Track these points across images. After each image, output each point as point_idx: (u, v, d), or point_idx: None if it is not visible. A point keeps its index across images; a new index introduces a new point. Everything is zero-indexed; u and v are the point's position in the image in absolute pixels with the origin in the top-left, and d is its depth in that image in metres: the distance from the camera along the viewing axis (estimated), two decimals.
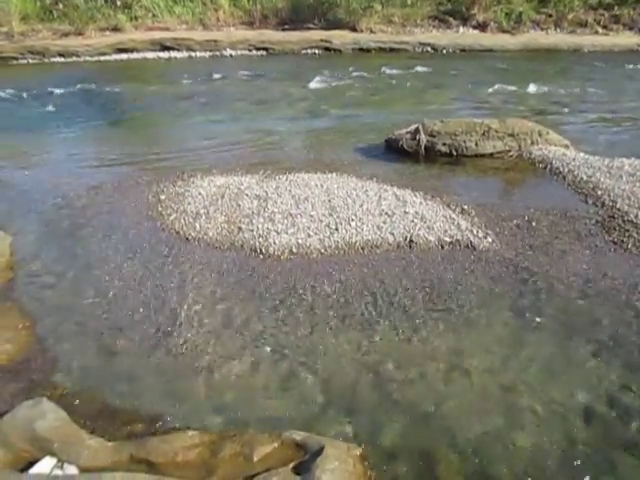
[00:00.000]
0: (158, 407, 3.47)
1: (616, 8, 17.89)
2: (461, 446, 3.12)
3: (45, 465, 2.82)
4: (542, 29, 18.01)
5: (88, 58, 17.13)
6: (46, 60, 17.01)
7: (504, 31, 17.83)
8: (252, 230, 5.64)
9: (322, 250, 5.28)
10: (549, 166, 7.17)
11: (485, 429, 3.23)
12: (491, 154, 7.55)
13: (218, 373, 3.75)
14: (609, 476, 2.94)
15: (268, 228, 5.64)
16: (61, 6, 18.52)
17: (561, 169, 7.01)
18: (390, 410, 3.40)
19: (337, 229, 5.57)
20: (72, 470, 2.82)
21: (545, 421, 3.28)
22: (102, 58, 17.17)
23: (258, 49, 17.57)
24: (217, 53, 17.52)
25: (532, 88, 11.79)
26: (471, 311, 4.33)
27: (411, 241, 5.36)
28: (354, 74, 13.84)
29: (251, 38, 17.80)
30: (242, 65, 15.61)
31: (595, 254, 5.11)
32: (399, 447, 3.13)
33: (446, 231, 5.49)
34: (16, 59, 16.97)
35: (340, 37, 17.53)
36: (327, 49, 17.39)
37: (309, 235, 5.49)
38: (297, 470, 2.77)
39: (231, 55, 17.48)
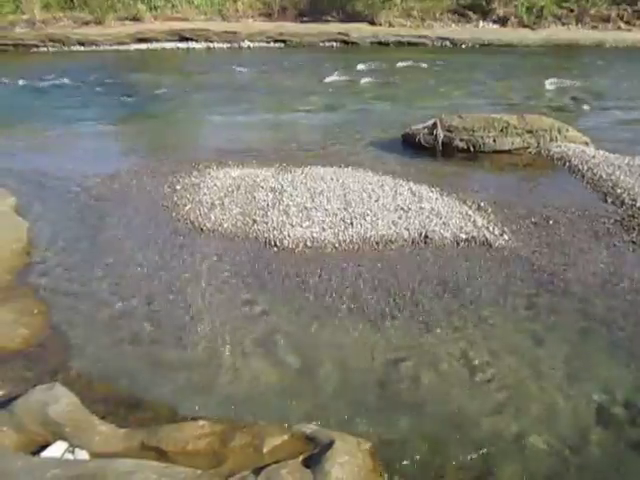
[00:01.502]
0: (169, 395, 3.48)
1: (639, 3, 17.56)
2: (472, 443, 3.09)
3: (56, 449, 2.85)
4: (563, 24, 17.75)
5: (107, 47, 17.25)
6: (66, 48, 17.16)
7: (525, 26, 17.62)
8: (267, 222, 5.63)
9: (336, 244, 5.25)
10: (568, 163, 7.06)
11: (497, 426, 3.19)
12: (509, 150, 7.47)
13: (228, 364, 3.75)
14: (622, 476, 2.90)
15: (283, 221, 5.63)
16: None
17: (580, 166, 6.90)
18: (401, 405, 3.38)
19: (352, 223, 5.54)
20: (83, 455, 2.84)
21: (558, 420, 3.23)
22: (121, 47, 17.28)
23: (276, 41, 17.55)
24: (235, 45, 17.52)
25: (552, 84, 11.63)
26: (485, 309, 4.29)
27: (426, 237, 5.31)
28: (371, 68, 13.75)
29: (269, 30, 17.77)
30: (260, 57, 15.60)
31: (613, 254, 5.02)
32: (409, 442, 3.11)
33: (462, 228, 5.44)
34: (37, 47, 17.16)
35: (358, 30, 17.44)
36: (345, 42, 17.31)
37: (324, 229, 5.47)
38: (307, 463, 2.76)
39: (249, 47, 17.47)
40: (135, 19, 18.44)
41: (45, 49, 17.17)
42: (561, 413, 3.30)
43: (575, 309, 4.27)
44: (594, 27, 17.46)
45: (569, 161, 7.10)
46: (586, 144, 7.63)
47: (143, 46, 17.39)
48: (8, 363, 3.72)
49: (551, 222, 5.61)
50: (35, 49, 17.13)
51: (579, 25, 17.64)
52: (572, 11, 17.94)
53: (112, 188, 6.68)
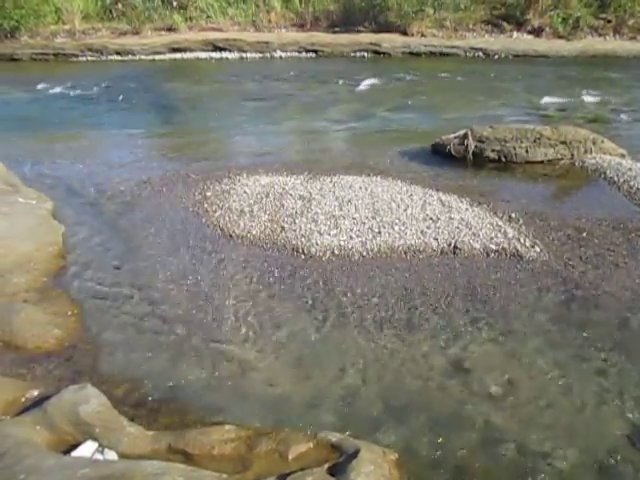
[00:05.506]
0: (197, 400, 3.52)
1: None
2: (501, 459, 3.04)
3: (86, 449, 2.90)
4: (600, 35, 17.43)
5: (143, 57, 17.65)
6: (103, 58, 17.64)
7: (560, 37, 17.35)
8: (295, 230, 5.66)
9: (364, 253, 5.25)
10: (603, 175, 6.92)
11: (525, 442, 3.13)
12: (542, 161, 7.35)
13: (255, 371, 3.77)
14: None
15: (311, 229, 5.65)
16: (120, 6, 19.17)
17: (616, 179, 6.76)
18: (427, 418, 3.34)
19: (380, 232, 5.53)
20: (112, 455, 2.89)
21: (589, 438, 3.15)
22: (157, 57, 17.67)
23: (308, 51, 17.69)
24: (267, 54, 17.73)
25: (587, 95, 11.43)
26: (515, 322, 4.22)
27: (455, 247, 5.26)
28: (402, 78, 13.75)
29: (301, 40, 17.93)
30: (291, 67, 15.73)
31: None
32: (436, 455, 3.07)
33: (492, 239, 5.37)
34: (76, 56, 17.68)
35: (390, 40, 17.46)
36: (376, 52, 17.34)
37: (351, 237, 5.47)
38: (331, 471, 2.75)
39: (281, 57, 17.65)
40: (171, 29, 18.82)
41: (84, 58, 17.67)
42: (592, 430, 3.21)
43: (608, 325, 4.16)
44: (632, 38, 17.08)
45: (604, 173, 6.96)
46: (622, 156, 7.46)
47: (178, 55, 17.75)
48: (42, 363, 3.82)
49: (584, 234, 5.50)
50: (74, 58, 17.65)
51: (616, 36, 17.30)
52: (609, 22, 17.60)
53: (145, 194, 6.81)
